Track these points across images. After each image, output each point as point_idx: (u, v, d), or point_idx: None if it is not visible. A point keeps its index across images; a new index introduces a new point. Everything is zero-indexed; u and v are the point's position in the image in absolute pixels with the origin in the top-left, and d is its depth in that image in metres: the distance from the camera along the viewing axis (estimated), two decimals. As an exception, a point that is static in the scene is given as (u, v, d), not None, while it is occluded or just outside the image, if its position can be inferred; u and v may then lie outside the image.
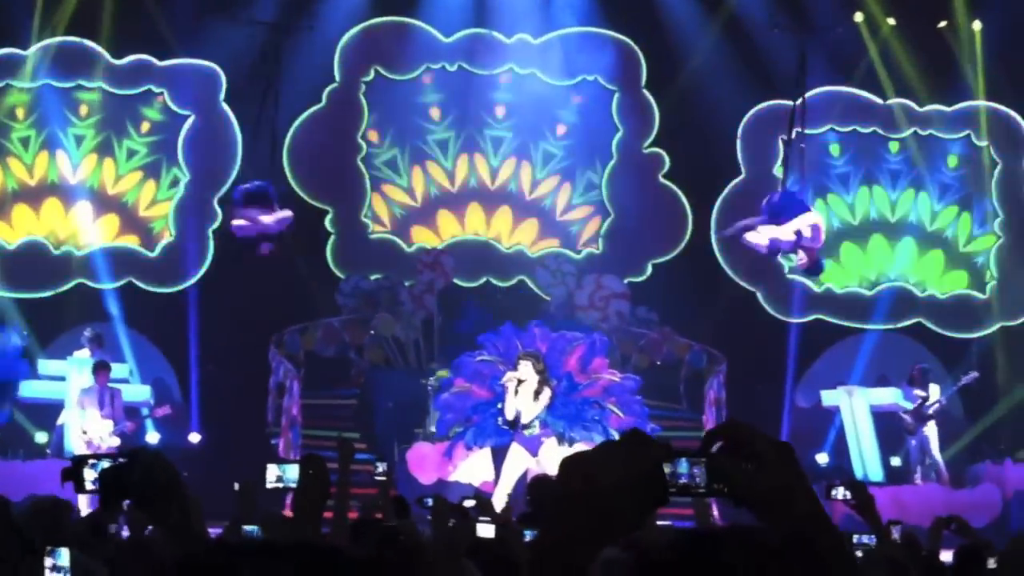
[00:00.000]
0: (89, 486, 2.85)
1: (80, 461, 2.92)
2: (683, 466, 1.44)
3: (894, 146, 16.14)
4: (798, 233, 12.09)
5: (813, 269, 12.83)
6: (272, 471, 3.85)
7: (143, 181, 15.20)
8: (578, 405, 11.62)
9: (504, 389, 11.43)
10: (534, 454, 11.25)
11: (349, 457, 4.31)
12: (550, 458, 10.90)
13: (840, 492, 3.73)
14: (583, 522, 1.35)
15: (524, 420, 11.31)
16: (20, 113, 15.06)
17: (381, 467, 5.26)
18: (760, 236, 12.25)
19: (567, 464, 1.43)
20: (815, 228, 12.20)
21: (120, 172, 15.15)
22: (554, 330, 12.41)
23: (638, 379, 12.44)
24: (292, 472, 3.67)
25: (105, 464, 2.77)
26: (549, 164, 16.11)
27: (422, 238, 15.79)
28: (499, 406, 11.55)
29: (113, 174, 15.12)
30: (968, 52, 15.88)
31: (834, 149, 16.18)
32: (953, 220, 16.18)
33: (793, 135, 13.31)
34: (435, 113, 16.00)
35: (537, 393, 11.30)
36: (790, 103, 14.89)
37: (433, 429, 12.64)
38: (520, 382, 11.26)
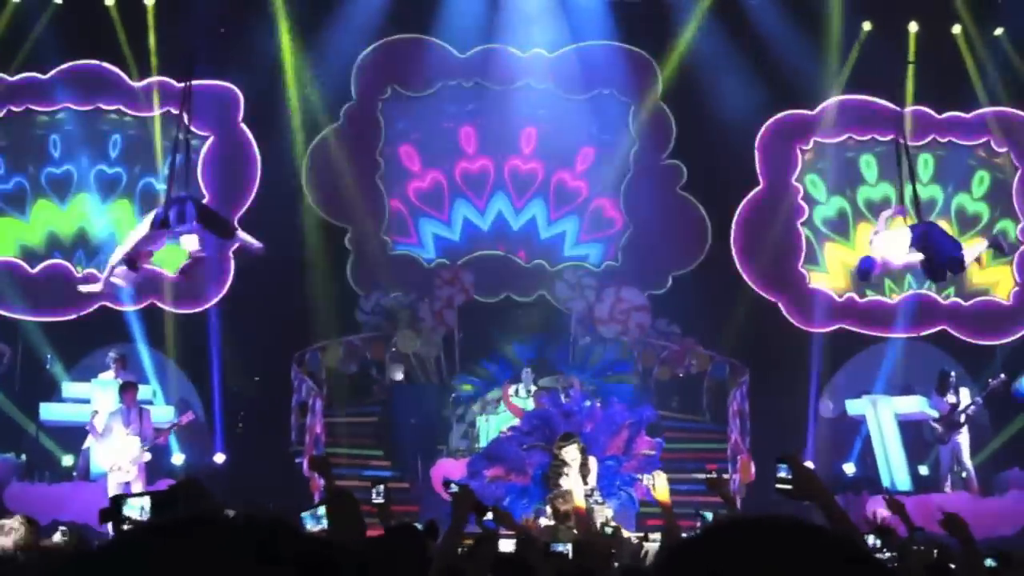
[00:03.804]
0: (128, 525, 2.88)
1: (118, 501, 2.95)
2: None
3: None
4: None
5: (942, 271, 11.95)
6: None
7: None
8: (613, 477, 11.05)
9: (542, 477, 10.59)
10: None
11: (327, 472, 4.31)
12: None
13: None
14: None
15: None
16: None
17: (378, 491, 5.00)
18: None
19: None
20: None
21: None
22: (594, 392, 12.08)
23: (660, 445, 11.78)
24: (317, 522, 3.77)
25: (145, 501, 2.82)
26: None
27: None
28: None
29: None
30: (987, 57, 15.80)
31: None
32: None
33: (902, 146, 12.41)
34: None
35: (584, 476, 10.14)
36: (806, 112, 14.83)
37: (456, 446, 12.49)
38: (566, 470, 10.07)
